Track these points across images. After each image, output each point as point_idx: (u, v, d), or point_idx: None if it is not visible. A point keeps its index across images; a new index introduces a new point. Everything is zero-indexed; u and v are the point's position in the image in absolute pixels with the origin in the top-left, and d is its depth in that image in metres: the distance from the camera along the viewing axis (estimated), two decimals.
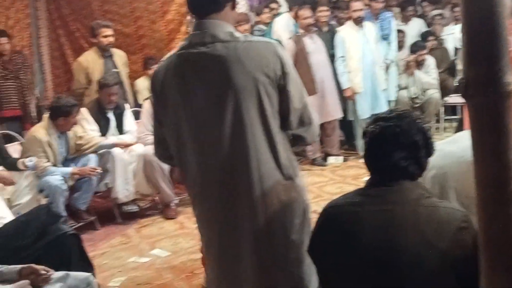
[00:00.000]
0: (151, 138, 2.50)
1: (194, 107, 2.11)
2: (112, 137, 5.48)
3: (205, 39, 2.08)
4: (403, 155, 1.80)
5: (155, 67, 2.70)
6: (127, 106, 5.75)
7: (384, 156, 1.82)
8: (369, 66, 6.71)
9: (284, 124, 2.15)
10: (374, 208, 1.80)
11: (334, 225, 1.86)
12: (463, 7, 1.36)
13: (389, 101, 7.08)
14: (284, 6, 8.01)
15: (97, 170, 4.96)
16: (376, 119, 1.89)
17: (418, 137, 1.83)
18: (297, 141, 2.23)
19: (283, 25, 7.15)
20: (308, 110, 2.18)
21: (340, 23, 7.19)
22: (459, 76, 7.47)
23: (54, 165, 4.86)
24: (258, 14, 7.67)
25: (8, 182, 4.35)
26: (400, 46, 7.41)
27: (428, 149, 1.87)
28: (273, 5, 7.86)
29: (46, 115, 4.95)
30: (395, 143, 1.81)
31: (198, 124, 2.12)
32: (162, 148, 2.32)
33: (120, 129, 5.59)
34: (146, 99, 5.63)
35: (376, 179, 1.87)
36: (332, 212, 1.90)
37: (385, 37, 6.99)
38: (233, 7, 2.17)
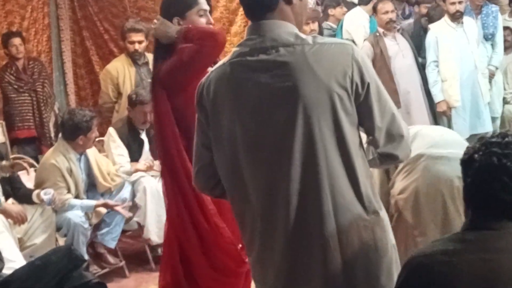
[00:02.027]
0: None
1: (254, 128, 2.14)
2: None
3: (264, 44, 2.12)
4: None
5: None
6: None
7: (498, 193, 1.81)
8: (469, 73, 6.61)
9: (371, 141, 2.19)
10: (474, 257, 1.78)
11: (423, 280, 1.83)
12: None
13: (494, 118, 6.94)
14: None
15: (125, 205, 5.05)
16: (485, 143, 1.88)
17: None
18: (386, 160, 2.25)
19: (354, 22, 7.12)
20: (397, 121, 2.19)
21: (432, 19, 7.10)
22: None
23: (77, 196, 4.98)
24: (329, 8, 7.66)
25: (19, 219, 4.44)
26: (507, 47, 7.26)
27: None
28: None
29: (60, 136, 5.10)
30: None
31: (258, 148, 2.15)
32: (206, 176, 2.35)
33: (154, 154, 5.63)
34: None
35: (476, 220, 1.86)
36: (420, 264, 1.87)
37: (489, 37, 6.88)
38: (289, 1, 2.17)
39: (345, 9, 7.68)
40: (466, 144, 2.50)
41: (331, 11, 7.59)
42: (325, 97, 2.06)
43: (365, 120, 2.14)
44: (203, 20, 3.27)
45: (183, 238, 3.30)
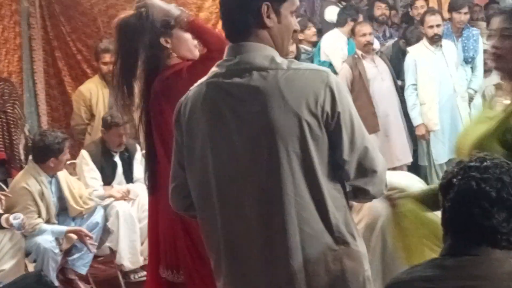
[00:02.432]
0: None
1: (224, 153, 2.16)
2: (118, 187, 5.59)
3: (239, 66, 2.14)
4: (504, 217, 1.82)
5: None
6: (137, 147, 5.82)
7: (478, 218, 1.83)
8: (448, 97, 6.68)
9: (341, 173, 2.17)
10: (453, 284, 1.79)
11: None
12: None
13: None
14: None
15: (91, 241, 5.02)
16: (463, 168, 1.90)
17: None
18: (358, 194, 2.24)
19: (332, 45, 7.18)
20: (371, 155, 2.17)
21: (409, 42, 7.22)
22: None
23: (48, 220, 4.96)
24: (301, 30, 7.69)
25: None
26: (486, 71, 7.36)
27: None
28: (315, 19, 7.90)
29: (30, 158, 5.07)
30: (496, 202, 1.82)
31: (227, 173, 2.16)
32: (181, 196, 2.37)
33: (128, 177, 5.69)
34: None
35: (455, 245, 1.88)
36: None
37: (469, 60, 6.95)
38: (262, 25, 2.13)
39: (313, 29, 7.70)
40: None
41: (300, 36, 7.55)
42: (294, 124, 2.06)
43: (335, 150, 2.12)
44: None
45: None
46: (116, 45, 3.32)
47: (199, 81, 2.25)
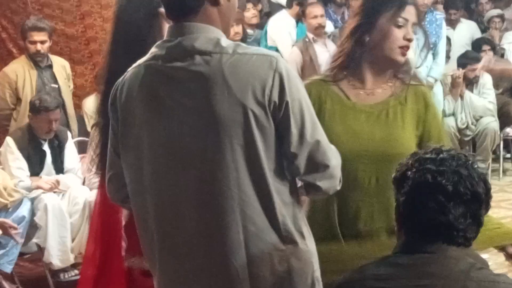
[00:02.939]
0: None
1: (161, 142, 2.12)
2: (46, 178, 5.49)
3: (181, 49, 2.09)
4: (461, 212, 1.82)
5: None
6: (69, 135, 5.77)
7: (433, 213, 1.83)
8: None
9: (290, 168, 2.14)
10: (407, 283, 1.80)
11: None
12: None
13: None
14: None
15: (17, 232, 4.88)
16: (418, 159, 1.89)
17: (480, 187, 1.85)
18: (310, 189, 2.23)
19: (279, 28, 7.15)
20: (323, 148, 2.14)
21: None
22: None
23: None
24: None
25: None
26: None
27: (487, 204, 1.89)
28: None
29: None
30: (452, 196, 1.82)
31: (163, 165, 2.13)
32: (118, 186, 2.31)
33: (58, 167, 5.61)
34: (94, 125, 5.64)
35: (409, 242, 1.88)
36: None
37: (430, 46, 7.00)
38: (215, 0, 2.12)
39: (253, 11, 7.60)
40: None
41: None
42: (239, 114, 2.03)
43: (283, 143, 2.10)
44: None
45: None
46: None
47: (138, 62, 2.20)
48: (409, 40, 2.62)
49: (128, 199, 2.28)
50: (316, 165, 2.14)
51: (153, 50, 2.17)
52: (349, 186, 2.44)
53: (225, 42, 2.09)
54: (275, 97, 2.04)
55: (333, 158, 2.18)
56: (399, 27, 2.58)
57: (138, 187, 2.20)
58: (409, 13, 2.59)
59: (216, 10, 2.13)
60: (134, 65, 2.21)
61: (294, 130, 2.08)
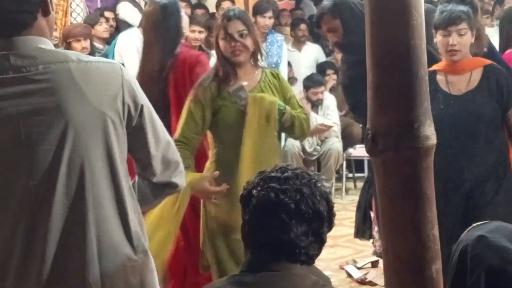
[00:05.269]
0: None
1: (10, 153, 2.00)
2: None
3: (16, 63, 2.00)
4: (303, 230, 1.84)
5: None
6: None
7: (276, 232, 1.84)
8: None
9: (145, 171, 2.19)
10: None
11: None
12: (368, 34, 1.41)
13: None
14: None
15: None
16: (263, 178, 1.91)
17: (322, 206, 1.88)
18: (164, 190, 2.28)
19: (130, 45, 7.02)
20: (173, 147, 2.24)
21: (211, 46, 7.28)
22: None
23: None
24: (92, 25, 7.24)
25: None
26: (289, 78, 7.62)
27: (330, 222, 1.92)
28: (108, 14, 7.60)
29: None
30: (294, 214, 1.84)
31: (12, 177, 2.01)
32: None
33: None
34: None
35: (255, 261, 1.89)
36: None
37: (273, 67, 7.09)
38: (46, 11, 2.07)
39: (105, 25, 7.47)
40: None
41: (93, 30, 7.21)
42: (97, 122, 2.01)
43: (138, 147, 2.13)
44: None
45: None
46: None
47: None
48: None
49: None
50: (169, 163, 2.22)
51: None
52: None
53: (61, 50, 2.07)
54: (129, 101, 2.07)
55: (178, 154, 2.29)
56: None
57: None
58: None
59: (45, 21, 2.08)
60: None
61: (150, 132, 2.14)
